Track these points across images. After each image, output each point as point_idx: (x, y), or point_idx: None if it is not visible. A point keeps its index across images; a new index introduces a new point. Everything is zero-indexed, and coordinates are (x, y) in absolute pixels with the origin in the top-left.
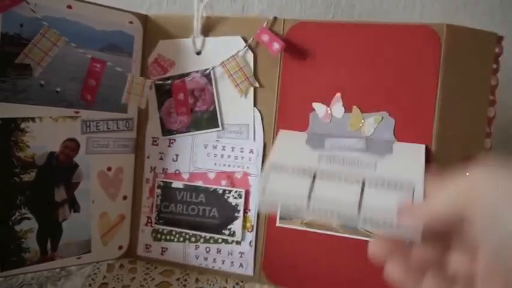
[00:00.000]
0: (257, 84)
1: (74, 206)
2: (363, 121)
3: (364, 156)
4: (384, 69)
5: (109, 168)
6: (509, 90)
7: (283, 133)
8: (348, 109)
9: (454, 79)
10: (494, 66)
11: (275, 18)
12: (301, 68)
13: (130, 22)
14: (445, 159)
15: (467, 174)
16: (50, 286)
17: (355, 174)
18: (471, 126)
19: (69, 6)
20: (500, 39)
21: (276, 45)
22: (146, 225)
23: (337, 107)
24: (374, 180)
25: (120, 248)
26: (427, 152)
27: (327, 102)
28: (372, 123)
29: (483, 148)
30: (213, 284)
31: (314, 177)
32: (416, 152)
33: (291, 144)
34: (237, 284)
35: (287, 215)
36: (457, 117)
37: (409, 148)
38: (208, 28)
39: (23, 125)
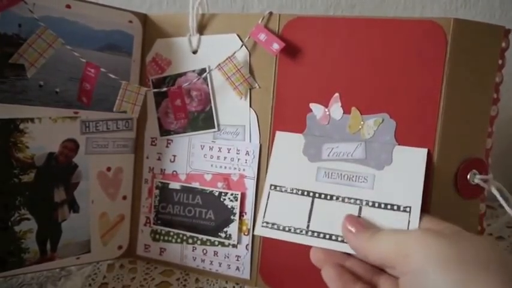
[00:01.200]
0: (257, 85)
1: (74, 206)
2: (362, 123)
3: (362, 169)
4: (385, 67)
5: (108, 169)
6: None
7: (280, 136)
8: (346, 110)
9: (460, 77)
10: (500, 61)
11: (270, 14)
12: (298, 67)
13: (130, 21)
14: (446, 162)
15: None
16: (50, 286)
17: (354, 193)
18: (473, 126)
19: (68, 6)
20: (507, 32)
21: (276, 46)
22: (145, 225)
23: (336, 108)
24: (371, 201)
25: (120, 248)
26: (429, 156)
27: (325, 102)
28: (371, 125)
29: (484, 148)
30: (213, 285)
31: (313, 197)
32: (417, 159)
33: (288, 155)
34: (237, 283)
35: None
36: (460, 117)
37: (410, 155)
38: (204, 26)
39: (22, 126)
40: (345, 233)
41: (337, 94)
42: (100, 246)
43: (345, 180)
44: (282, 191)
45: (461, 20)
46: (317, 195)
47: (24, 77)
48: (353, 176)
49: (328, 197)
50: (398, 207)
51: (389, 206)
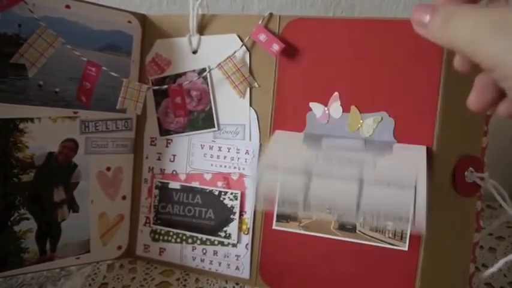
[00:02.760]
0: (256, 84)
1: (73, 206)
2: (361, 121)
3: (362, 155)
4: (384, 67)
5: (108, 168)
6: None
7: (278, 133)
8: (346, 109)
9: (457, 76)
10: None
11: (271, 15)
12: (298, 66)
13: (129, 22)
14: (444, 160)
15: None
16: (49, 286)
17: (354, 172)
18: (470, 125)
19: (68, 6)
20: None
21: (276, 47)
22: (145, 225)
23: (335, 107)
24: (373, 179)
25: (119, 248)
26: (428, 153)
27: (325, 101)
28: (371, 123)
29: (480, 147)
30: (213, 284)
31: (311, 175)
32: (417, 153)
33: (286, 144)
34: (237, 283)
35: (284, 212)
36: (457, 115)
37: (409, 149)
38: (204, 26)
39: (21, 126)
40: (416, 29)
41: (336, 93)
42: (99, 246)
43: (345, 163)
44: (276, 169)
45: None
46: (315, 174)
47: (24, 76)
48: (354, 160)
49: (327, 176)
50: (403, 184)
51: (393, 185)
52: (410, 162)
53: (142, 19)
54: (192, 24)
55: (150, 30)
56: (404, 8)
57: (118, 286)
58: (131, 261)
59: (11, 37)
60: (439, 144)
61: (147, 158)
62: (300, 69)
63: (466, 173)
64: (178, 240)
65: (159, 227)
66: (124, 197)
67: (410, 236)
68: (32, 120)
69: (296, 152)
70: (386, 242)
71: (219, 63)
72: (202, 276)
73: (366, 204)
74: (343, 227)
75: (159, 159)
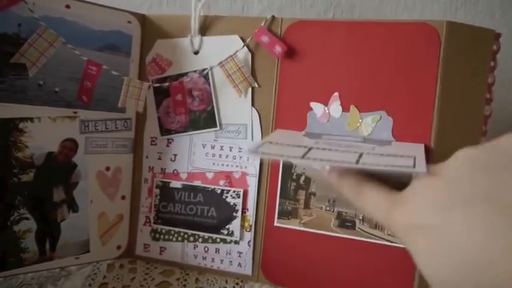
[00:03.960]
0: (256, 84)
1: (73, 206)
2: (360, 120)
3: (361, 144)
4: (382, 67)
5: (107, 168)
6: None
7: (279, 131)
8: (345, 108)
9: (454, 77)
10: (492, 63)
11: (273, 17)
12: (299, 67)
13: (129, 22)
14: (443, 158)
15: None
16: (49, 286)
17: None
18: (468, 125)
19: (68, 6)
20: (498, 36)
21: (278, 48)
22: (145, 225)
23: (335, 107)
24: (372, 152)
25: (119, 247)
26: (426, 151)
27: (325, 101)
28: (369, 122)
29: None
30: (213, 284)
31: (310, 148)
32: (416, 150)
33: (286, 134)
34: (237, 284)
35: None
36: (455, 115)
37: (408, 147)
38: (206, 27)
39: (21, 125)
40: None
41: (336, 93)
42: (99, 246)
43: (343, 147)
44: (276, 144)
45: (453, 23)
46: (314, 148)
47: (24, 76)
48: (352, 145)
49: (327, 149)
50: (402, 155)
51: (392, 155)
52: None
53: (142, 19)
54: (194, 25)
55: (150, 30)
56: (404, 8)
57: (118, 286)
58: (131, 261)
59: (11, 37)
60: (437, 142)
61: (147, 157)
62: (301, 70)
63: None
64: (180, 239)
65: (159, 226)
66: (123, 197)
67: None
68: (31, 119)
69: (296, 139)
70: (385, 239)
71: (220, 62)
72: (202, 276)
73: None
74: (343, 225)
75: (159, 158)
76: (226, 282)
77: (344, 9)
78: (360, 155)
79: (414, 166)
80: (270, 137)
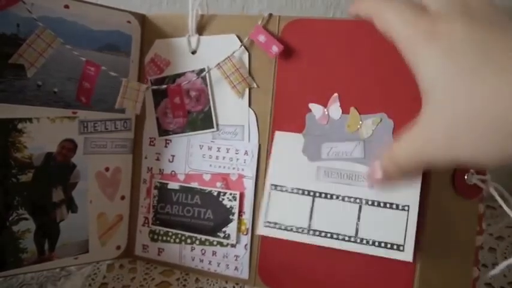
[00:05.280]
0: (255, 85)
1: (72, 206)
2: (361, 123)
3: (361, 168)
4: (382, 68)
5: (107, 169)
6: None
7: (279, 136)
8: (345, 110)
9: None
10: None
11: (270, 15)
12: (298, 67)
13: (128, 22)
14: None
15: None
16: (49, 286)
17: (353, 191)
18: None
19: (67, 6)
20: None
21: (275, 48)
22: (144, 225)
23: (335, 108)
24: (371, 200)
25: (118, 248)
26: None
27: (324, 103)
28: (370, 125)
29: None
30: (213, 285)
31: (314, 196)
32: None
33: (288, 155)
34: (237, 283)
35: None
36: None
37: None
38: (203, 27)
39: (20, 126)
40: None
41: (336, 94)
42: (98, 247)
43: (344, 179)
44: (282, 191)
45: None
46: (317, 194)
47: (23, 76)
48: (352, 175)
49: (329, 196)
50: (397, 206)
51: (388, 205)
52: (405, 179)
53: (142, 19)
54: (191, 24)
55: (150, 30)
56: None
57: (118, 286)
58: (131, 261)
59: (10, 37)
60: None
61: (146, 158)
62: (299, 70)
63: (466, 175)
64: (177, 240)
65: (158, 228)
66: (123, 197)
67: None
68: (30, 120)
69: (298, 167)
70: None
71: (218, 63)
72: (202, 276)
73: (363, 230)
74: None
75: (157, 159)
76: (226, 282)
77: (344, 9)
78: (360, 205)
79: None
80: (272, 164)
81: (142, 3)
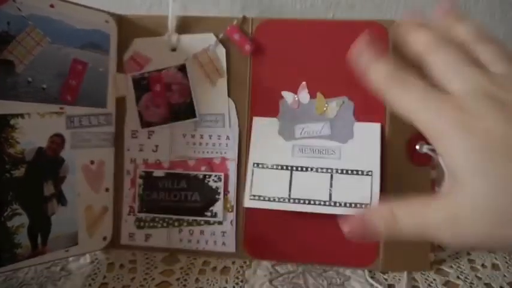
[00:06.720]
0: (225, 75)
1: (61, 199)
2: (326, 105)
3: (329, 144)
4: (343, 60)
5: (92, 162)
6: None
7: (257, 121)
8: (313, 95)
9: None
10: None
11: (244, 17)
12: (270, 61)
13: (106, 21)
14: (397, 135)
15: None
16: (49, 286)
17: (325, 164)
18: None
19: (52, 5)
20: None
21: (247, 47)
22: (129, 214)
23: (304, 94)
24: (340, 169)
25: (105, 238)
26: (382, 130)
27: (294, 90)
28: (334, 106)
29: None
30: (213, 284)
31: (291, 171)
32: (374, 132)
33: (266, 137)
34: (237, 284)
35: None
36: None
37: (367, 129)
38: (183, 27)
39: (12, 122)
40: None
41: (304, 82)
42: (86, 238)
43: (316, 153)
44: (264, 168)
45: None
46: (294, 168)
47: (14, 73)
48: (323, 150)
49: (304, 169)
50: (362, 172)
51: (355, 172)
52: (368, 146)
53: (119, 19)
54: (171, 23)
55: (128, 29)
56: (404, 8)
57: (118, 286)
58: (131, 261)
59: (1, 34)
60: (391, 122)
61: (128, 150)
62: (271, 63)
63: (418, 145)
64: (165, 224)
65: (144, 215)
66: (107, 189)
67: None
68: (22, 116)
69: (276, 147)
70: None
71: (195, 53)
72: (202, 276)
73: (335, 195)
74: None
75: (141, 150)
76: (226, 282)
77: (344, 9)
78: (331, 176)
79: None
80: (253, 145)
81: (142, 3)
